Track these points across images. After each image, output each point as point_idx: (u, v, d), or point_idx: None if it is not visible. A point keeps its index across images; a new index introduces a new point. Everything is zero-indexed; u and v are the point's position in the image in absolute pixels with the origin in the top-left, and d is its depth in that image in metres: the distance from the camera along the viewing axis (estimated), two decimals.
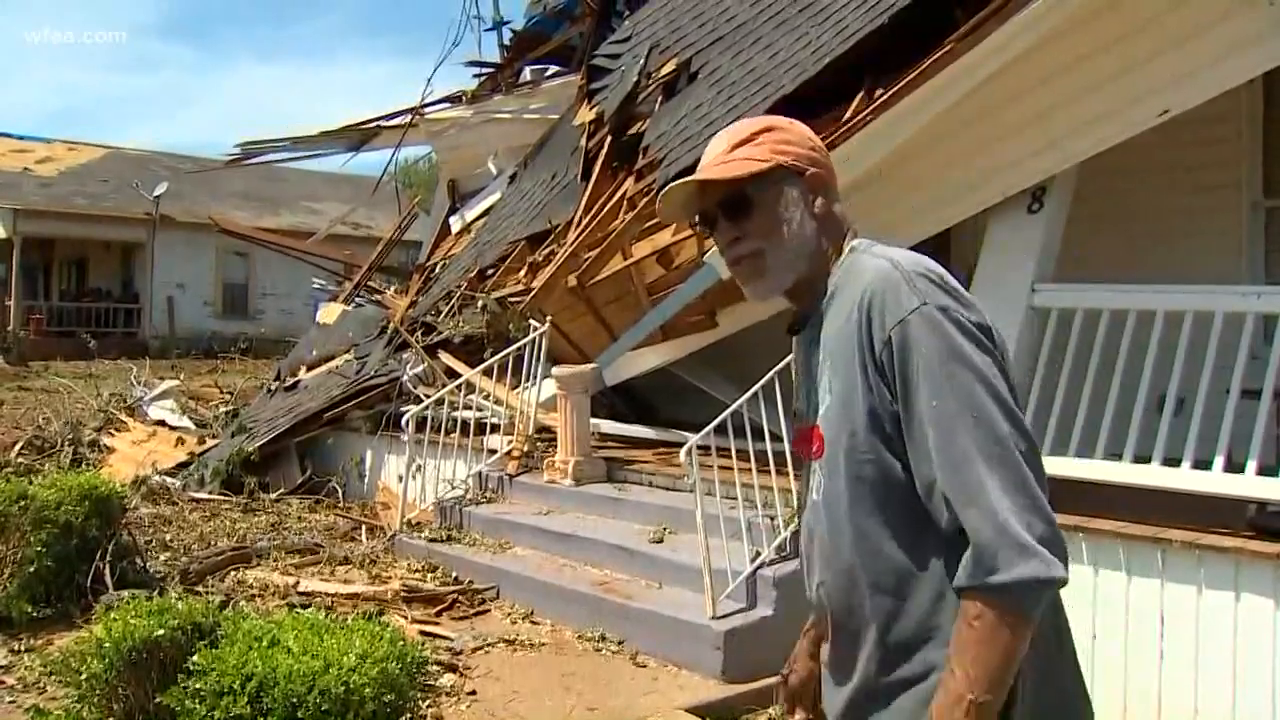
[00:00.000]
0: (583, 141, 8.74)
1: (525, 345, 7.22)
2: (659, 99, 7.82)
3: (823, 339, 1.58)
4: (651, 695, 4.32)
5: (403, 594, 5.48)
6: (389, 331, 9.44)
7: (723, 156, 1.61)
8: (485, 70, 13.15)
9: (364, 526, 7.10)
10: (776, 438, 5.44)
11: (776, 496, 5.03)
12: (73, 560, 5.26)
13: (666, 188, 1.64)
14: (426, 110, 12.42)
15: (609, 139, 8.11)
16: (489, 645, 4.87)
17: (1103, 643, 4.26)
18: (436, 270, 10.78)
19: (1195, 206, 6.33)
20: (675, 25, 8.34)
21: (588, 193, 7.92)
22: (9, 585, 5.09)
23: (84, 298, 25.75)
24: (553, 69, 12.07)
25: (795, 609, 4.21)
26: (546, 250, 8.19)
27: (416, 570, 6.03)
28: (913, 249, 1.61)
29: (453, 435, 6.93)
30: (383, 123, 13.12)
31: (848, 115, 5.65)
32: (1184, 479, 4.42)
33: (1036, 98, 5.36)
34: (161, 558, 6.11)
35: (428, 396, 7.29)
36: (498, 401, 7.48)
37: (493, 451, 7.04)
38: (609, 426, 7.41)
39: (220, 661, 3.30)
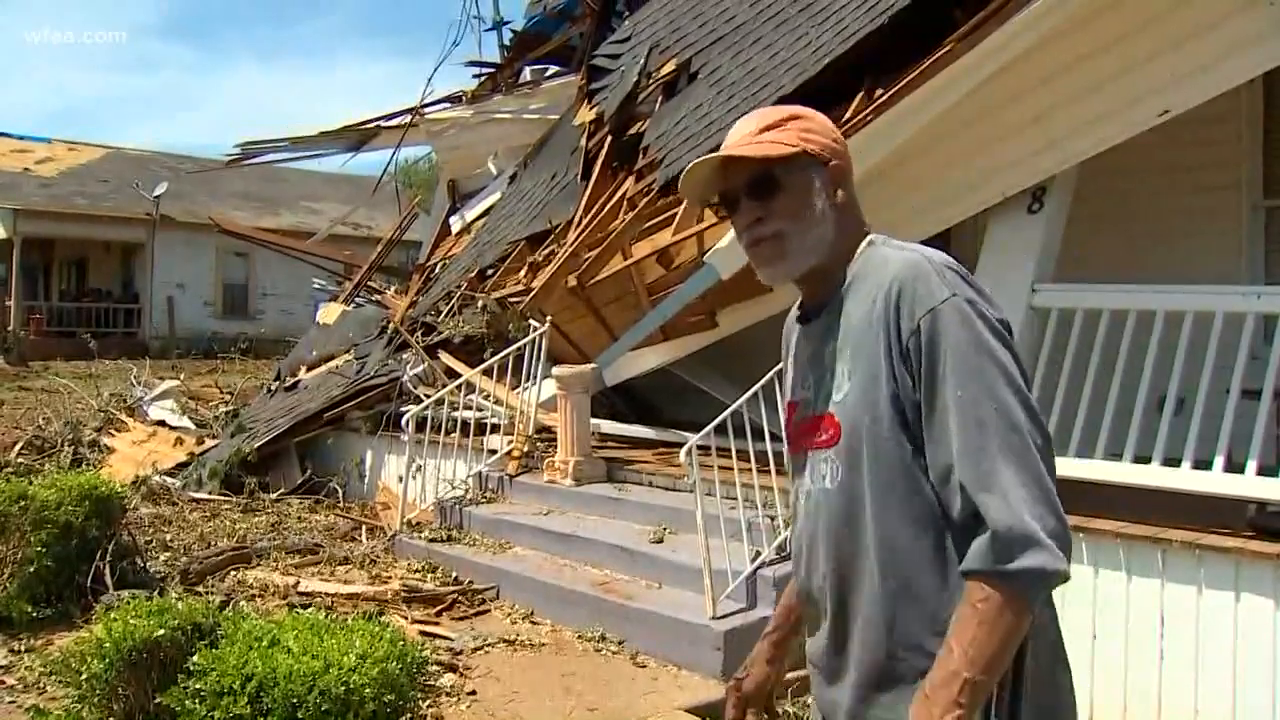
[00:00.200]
0: (583, 141, 8.74)
1: (525, 345, 7.22)
2: (659, 99, 7.83)
3: (842, 327, 1.58)
4: (651, 695, 4.32)
5: (403, 594, 5.48)
6: (389, 331, 9.44)
7: (750, 138, 1.62)
8: (485, 70, 13.16)
9: (364, 527, 7.10)
10: (776, 438, 5.43)
11: (776, 496, 5.03)
12: (73, 560, 5.26)
13: (690, 164, 1.63)
14: (426, 110, 12.42)
15: (609, 139, 8.11)
16: (489, 645, 4.87)
17: (1103, 643, 4.26)
18: (436, 270, 10.78)
19: (1195, 207, 6.33)
20: (675, 25, 8.34)
21: (588, 193, 7.92)
22: (9, 585, 5.09)
23: (84, 298, 25.74)
24: (553, 69, 12.08)
25: None
26: (546, 250, 8.19)
27: (416, 570, 6.03)
28: None
29: (453, 435, 6.93)
30: (383, 123, 13.13)
31: (848, 115, 5.65)
32: (1184, 479, 4.43)
33: (1037, 98, 5.37)
34: (161, 558, 6.11)
35: (428, 396, 7.29)
36: (498, 401, 7.48)
37: (493, 451, 7.04)
38: (609, 426, 7.41)
39: (220, 661, 3.31)
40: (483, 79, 12.99)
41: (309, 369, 10.27)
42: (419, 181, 27.35)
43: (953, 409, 1.44)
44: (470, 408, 7.34)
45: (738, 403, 5.30)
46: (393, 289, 12.08)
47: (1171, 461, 4.49)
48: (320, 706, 3.12)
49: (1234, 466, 4.34)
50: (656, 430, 7.41)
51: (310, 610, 4.28)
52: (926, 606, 1.49)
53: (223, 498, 7.85)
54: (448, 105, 12.56)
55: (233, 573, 5.94)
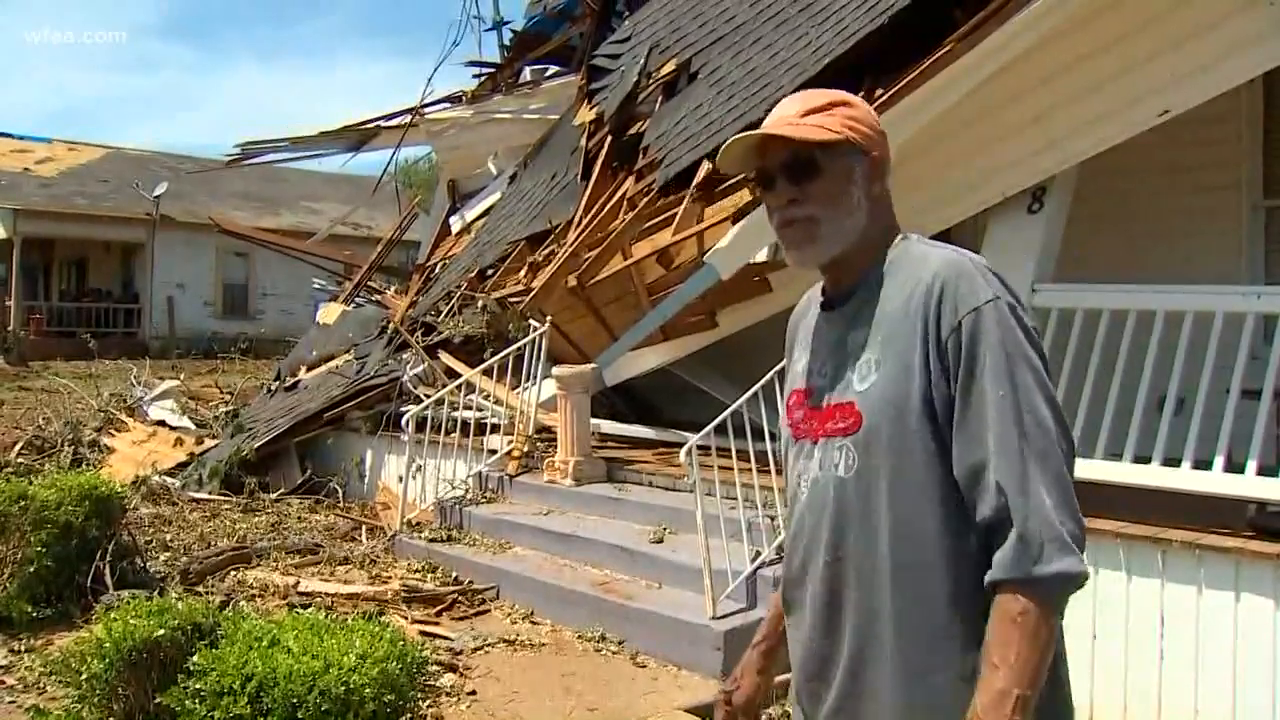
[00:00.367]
0: (583, 141, 8.74)
1: (525, 345, 7.22)
2: (659, 99, 7.82)
3: (873, 317, 1.57)
4: (651, 695, 4.32)
5: (403, 594, 5.48)
6: (389, 331, 9.45)
7: (794, 119, 1.60)
8: (485, 70, 13.16)
9: (364, 527, 7.10)
10: (776, 438, 5.44)
11: (776, 496, 5.03)
12: (73, 560, 5.26)
13: (730, 139, 1.62)
14: (426, 110, 12.42)
15: (609, 139, 8.11)
16: (489, 645, 4.87)
17: (1103, 643, 4.26)
18: (436, 270, 10.78)
19: (1195, 206, 6.33)
20: (675, 25, 8.34)
21: (588, 193, 7.92)
22: (9, 585, 5.09)
23: (84, 298, 25.74)
24: (553, 69, 12.07)
25: None
26: (546, 250, 8.19)
27: (416, 570, 6.03)
28: None
29: (453, 435, 6.93)
30: (382, 123, 13.13)
31: None
32: (1184, 479, 4.43)
33: (1037, 98, 5.37)
34: (161, 558, 6.11)
35: (428, 396, 7.29)
36: (498, 401, 7.48)
37: (493, 451, 7.04)
38: (609, 426, 7.42)
39: (220, 662, 3.31)
40: (483, 79, 12.99)
41: (309, 369, 10.27)
42: (419, 181, 27.34)
43: (990, 410, 1.45)
44: (470, 408, 7.34)
45: (738, 403, 5.30)
46: (393, 289, 12.08)
47: (1171, 461, 4.49)
48: (320, 706, 3.12)
49: (1234, 466, 4.34)
50: (656, 430, 7.42)
51: (310, 610, 4.28)
52: (945, 606, 1.49)
53: (223, 498, 7.85)
54: (448, 105, 12.56)
55: (233, 573, 5.94)
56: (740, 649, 4.70)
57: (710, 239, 6.20)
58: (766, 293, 6.62)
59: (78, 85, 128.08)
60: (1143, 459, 4.57)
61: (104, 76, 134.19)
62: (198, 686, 3.30)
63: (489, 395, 7.60)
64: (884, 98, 5.31)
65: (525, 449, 6.94)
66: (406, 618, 5.15)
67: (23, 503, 5.19)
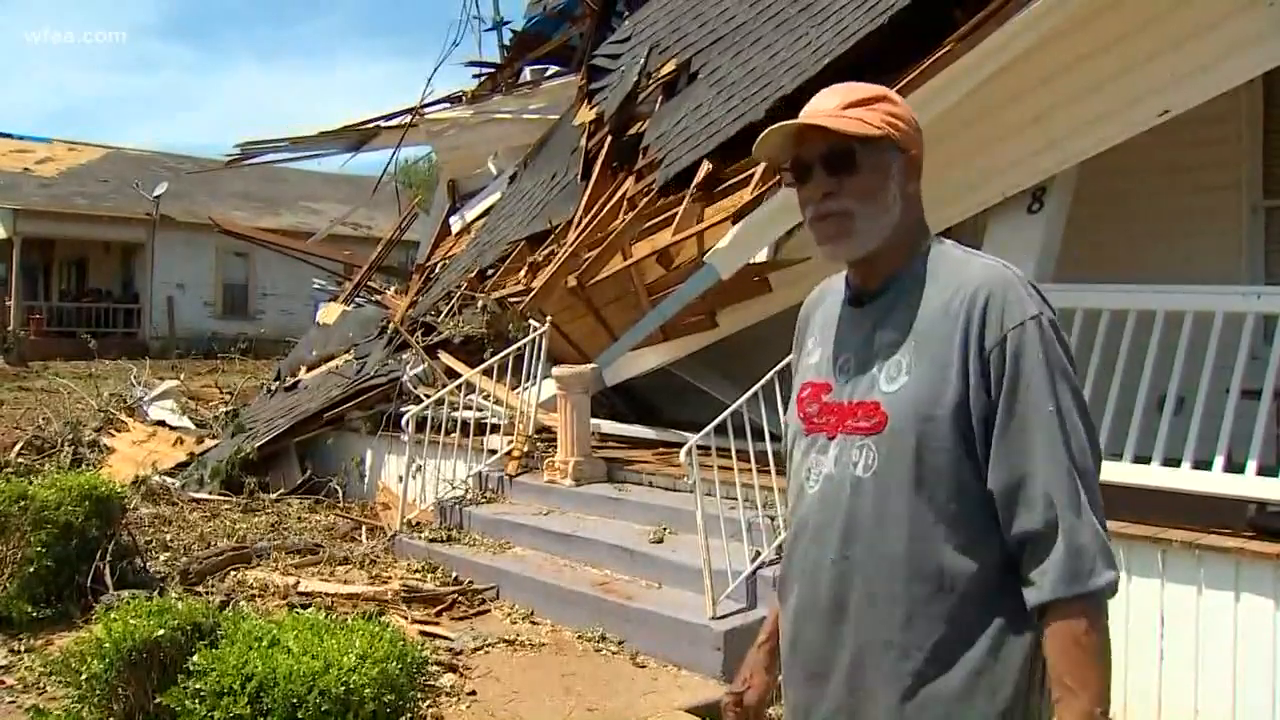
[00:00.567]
0: (583, 141, 8.74)
1: (525, 345, 7.22)
2: (659, 99, 7.83)
3: (911, 321, 1.55)
4: (651, 695, 4.32)
5: (403, 594, 5.48)
6: (389, 332, 9.45)
7: (835, 111, 1.58)
8: (485, 70, 13.16)
9: (364, 527, 7.10)
10: (776, 437, 5.43)
11: (776, 496, 5.03)
12: (73, 560, 5.26)
13: (769, 128, 1.60)
14: (426, 110, 12.42)
15: (609, 139, 8.11)
16: (489, 645, 4.87)
17: None
18: (436, 270, 10.78)
19: (1195, 206, 6.33)
20: (675, 25, 8.34)
21: (588, 193, 7.92)
22: (9, 585, 5.09)
23: (84, 298, 25.73)
24: (553, 69, 12.07)
25: None
26: (546, 250, 8.19)
27: (416, 570, 6.03)
28: None
29: (453, 435, 6.93)
30: (382, 123, 13.13)
31: None
32: (1184, 479, 4.43)
33: (1037, 98, 5.37)
34: (161, 558, 6.11)
35: (428, 397, 7.29)
36: (498, 402, 7.48)
37: (493, 452, 7.04)
38: (609, 426, 7.42)
39: (220, 662, 3.30)
40: (483, 79, 12.99)
41: (309, 369, 10.27)
42: (419, 181, 27.36)
43: (1036, 426, 1.46)
44: (470, 408, 7.34)
45: (738, 403, 5.30)
46: (393, 289, 12.08)
47: (1171, 461, 4.49)
48: (320, 706, 3.12)
49: (1234, 466, 4.33)
50: (656, 430, 7.42)
51: (310, 610, 4.28)
52: (960, 616, 1.49)
53: (223, 498, 7.85)
54: (448, 105, 12.56)
55: (233, 573, 5.94)
56: (740, 649, 4.69)
57: (710, 239, 6.20)
58: (766, 293, 6.62)
59: (78, 85, 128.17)
60: (1143, 459, 4.57)
61: (104, 76, 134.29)
62: (198, 686, 3.30)
63: (489, 395, 7.60)
64: None
65: (525, 449, 6.94)
66: (406, 618, 5.15)
67: (23, 503, 5.19)
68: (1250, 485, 4.24)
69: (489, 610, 5.45)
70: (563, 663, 4.70)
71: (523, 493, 6.70)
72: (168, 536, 6.68)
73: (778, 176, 6.25)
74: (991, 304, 1.50)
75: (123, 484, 6.61)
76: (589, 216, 7.56)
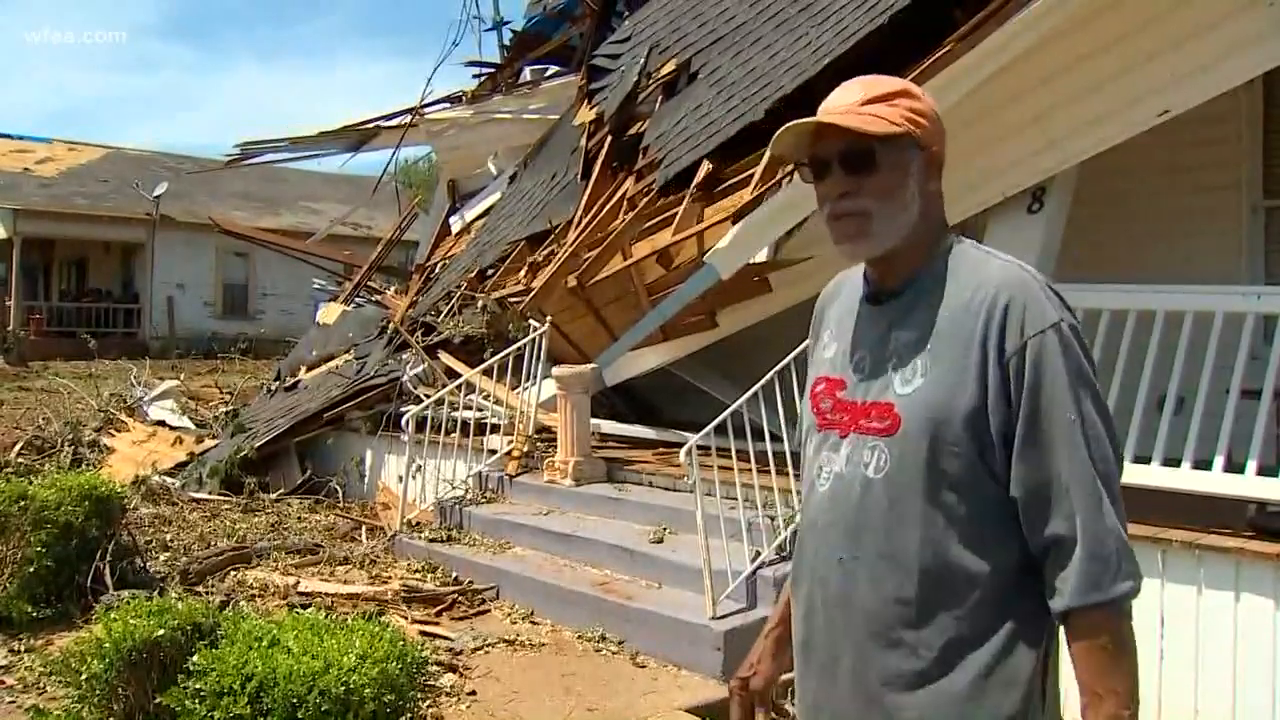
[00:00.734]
0: (583, 141, 8.74)
1: (525, 345, 7.22)
2: (659, 99, 7.83)
3: (927, 322, 1.53)
4: (651, 695, 4.32)
5: (403, 594, 5.48)
6: (389, 332, 9.45)
7: (854, 107, 1.55)
8: (485, 70, 13.16)
9: (364, 527, 7.10)
10: (776, 438, 5.44)
11: (776, 496, 5.03)
12: (73, 560, 5.26)
13: (788, 125, 1.57)
14: (426, 110, 12.42)
15: (609, 139, 8.11)
16: (489, 645, 4.87)
17: None
18: (436, 270, 10.78)
19: (1195, 206, 6.33)
20: (675, 25, 8.34)
21: (588, 193, 7.92)
22: (9, 585, 5.09)
23: (84, 298, 25.74)
24: (553, 69, 12.07)
25: None
26: (546, 250, 8.19)
27: (416, 570, 6.03)
28: None
29: (453, 435, 6.93)
30: (382, 123, 13.13)
31: None
32: (1184, 479, 4.42)
33: (1037, 98, 5.37)
34: (161, 558, 6.11)
35: (428, 397, 7.29)
36: (498, 401, 7.48)
37: (493, 452, 7.04)
38: (609, 426, 7.42)
39: (220, 662, 3.30)
40: (483, 79, 12.99)
41: (309, 369, 10.27)
42: (419, 181, 27.35)
43: (1059, 433, 1.46)
44: (470, 408, 7.34)
45: (738, 403, 5.30)
46: (393, 289, 12.09)
47: (1171, 461, 4.49)
48: (320, 706, 3.12)
49: (1234, 466, 4.33)
50: (656, 430, 7.42)
51: (310, 610, 4.27)
52: (971, 619, 1.49)
53: (223, 498, 7.84)
54: (447, 105, 12.56)
55: (233, 573, 5.94)
56: (740, 649, 4.70)
57: (710, 239, 6.20)
58: (766, 293, 6.62)
59: (78, 85, 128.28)
60: (1143, 459, 4.57)
61: (104, 76, 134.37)
62: (198, 686, 3.30)
63: (489, 395, 7.60)
64: None
65: (525, 449, 6.94)
66: (406, 618, 5.15)
67: (23, 503, 5.18)
68: (1250, 485, 4.24)
69: (489, 610, 5.45)
70: (563, 663, 4.70)
71: (523, 493, 6.70)
72: (168, 536, 6.68)
73: (778, 177, 6.23)
74: (1011, 309, 1.48)
75: (123, 484, 6.60)
76: (589, 216, 7.56)
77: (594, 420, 6.96)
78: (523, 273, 8.23)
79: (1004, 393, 1.47)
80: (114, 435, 9.84)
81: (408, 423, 6.84)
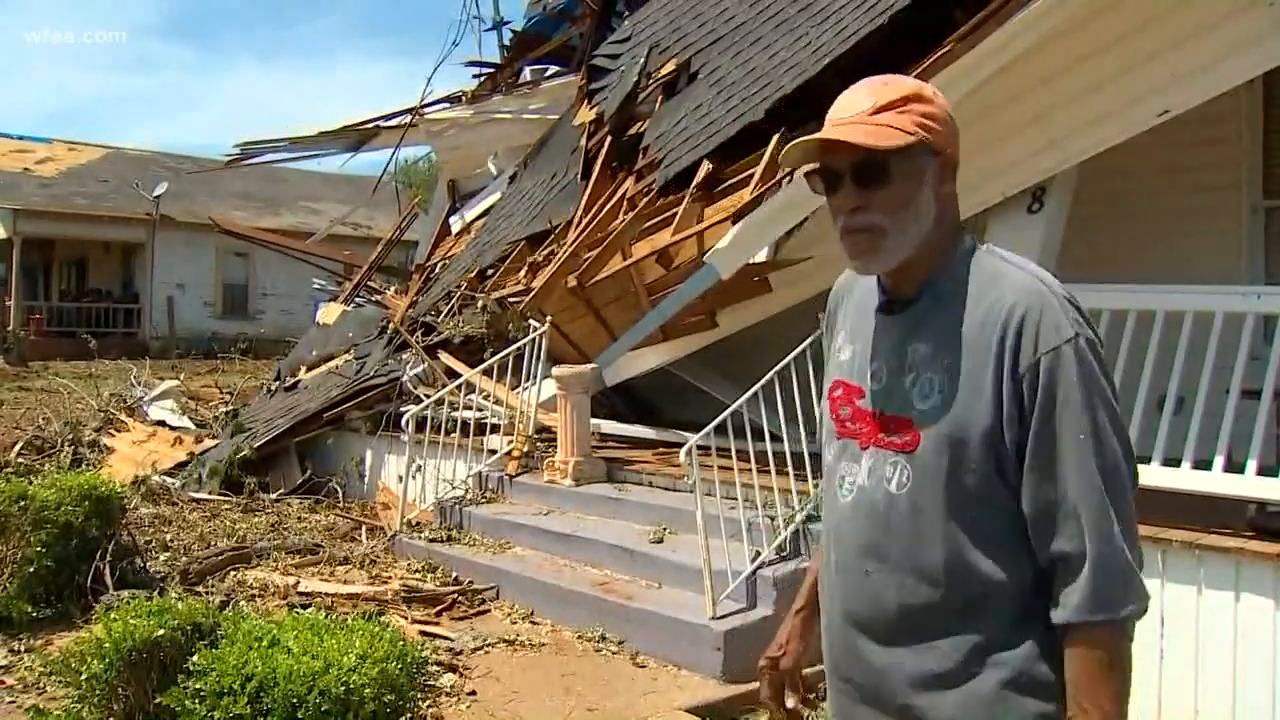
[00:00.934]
0: (583, 141, 8.74)
1: (525, 345, 7.22)
2: (659, 99, 7.82)
3: (943, 336, 1.52)
4: (651, 695, 4.32)
5: (403, 594, 5.48)
6: (389, 332, 9.45)
7: (864, 117, 1.50)
8: (485, 70, 13.16)
9: (364, 527, 7.10)
10: (776, 438, 5.44)
11: (776, 496, 5.03)
12: (73, 560, 5.26)
13: (799, 139, 1.54)
14: (426, 110, 12.42)
15: (609, 139, 8.11)
16: (489, 645, 4.87)
17: None
18: (436, 270, 10.78)
19: (1195, 207, 6.32)
20: (675, 25, 8.34)
21: (588, 193, 7.92)
22: (9, 585, 5.09)
23: (84, 298, 25.73)
24: (553, 69, 12.07)
25: None
26: (546, 250, 8.19)
27: (416, 570, 6.03)
28: None
29: (453, 435, 6.93)
30: (382, 123, 13.13)
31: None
32: (1184, 479, 4.42)
33: (1036, 98, 5.36)
34: (161, 558, 6.11)
35: (428, 397, 7.29)
36: (498, 401, 7.48)
37: (493, 452, 7.04)
38: (609, 426, 7.41)
39: (220, 662, 3.31)
40: (483, 79, 12.99)
41: (309, 369, 10.27)
42: (419, 181, 27.33)
43: (1070, 449, 1.44)
44: (470, 408, 7.34)
45: (738, 403, 5.30)
46: (393, 289, 12.08)
47: (1171, 461, 4.48)
48: (320, 706, 3.12)
49: (1234, 466, 4.33)
50: (656, 430, 7.41)
51: (310, 610, 4.28)
52: (992, 632, 1.49)
53: (223, 498, 7.84)
54: (447, 105, 12.56)
55: (233, 573, 5.94)
56: (740, 649, 4.71)
57: (710, 239, 6.20)
58: (766, 293, 6.62)
59: (78, 85, 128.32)
60: (1143, 459, 4.54)
61: (104, 76, 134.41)
62: (198, 686, 3.30)
63: (489, 395, 7.60)
64: None
65: (525, 449, 6.94)
66: (406, 618, 5.15)
67: (23, 503, 5.19)
68: (1250, 485, 4.24)
69: (489, 610, 5.45)
70: (563, 663, 4.70)
71: (523, 493, 6.70)
72: (168, 536, 6.68)
73: (778, 177, 6.21)
74: (1027, 324, 1.45)
75: (123, 484, 6.61)
76: (589, 216, 7.56)
77: (594, 420, 6.96)
78: (523, 273, 8.23)
79: (1018, 408, 1.45)
80: (114, 435, 9.84)
81: (408, 423, 6.84)
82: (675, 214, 6.63)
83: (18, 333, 21.48)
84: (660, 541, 5.52)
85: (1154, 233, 6.30)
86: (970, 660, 1.49)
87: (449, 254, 10.90)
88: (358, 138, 13.38)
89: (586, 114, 8.80)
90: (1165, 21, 4.97)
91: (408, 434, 6.91)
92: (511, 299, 8.02)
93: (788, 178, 5.70)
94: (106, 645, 3.49)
